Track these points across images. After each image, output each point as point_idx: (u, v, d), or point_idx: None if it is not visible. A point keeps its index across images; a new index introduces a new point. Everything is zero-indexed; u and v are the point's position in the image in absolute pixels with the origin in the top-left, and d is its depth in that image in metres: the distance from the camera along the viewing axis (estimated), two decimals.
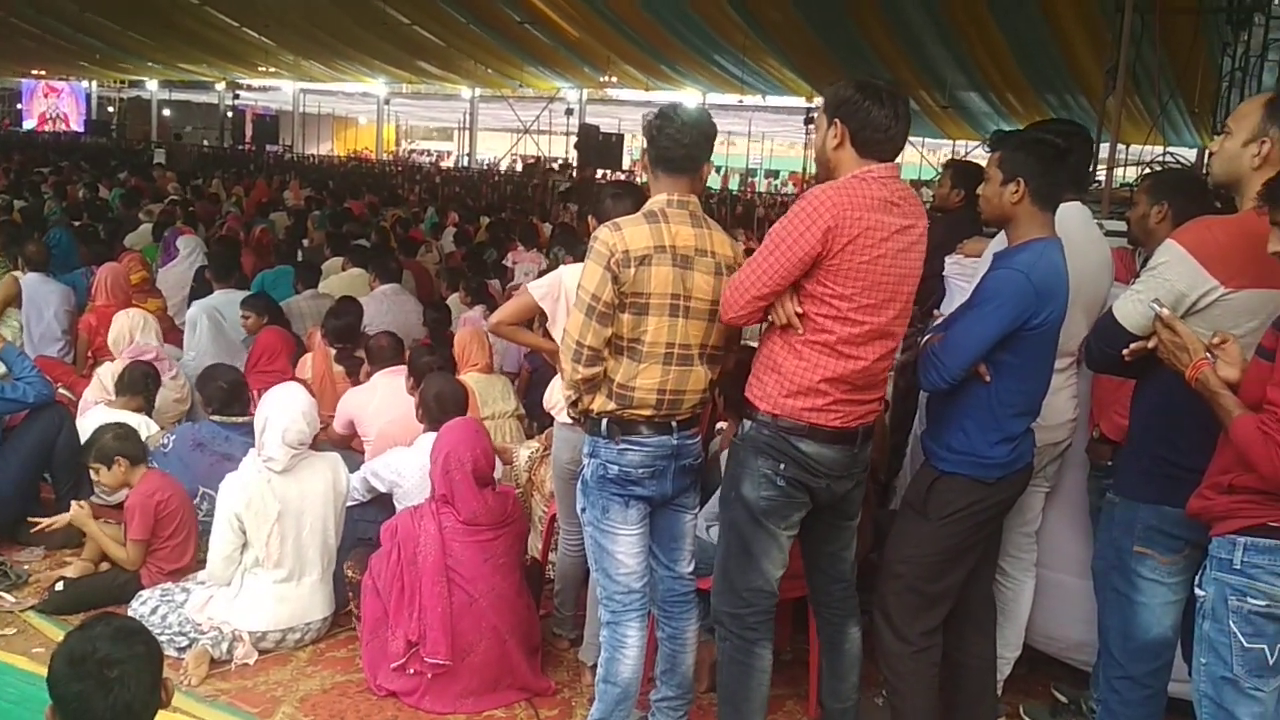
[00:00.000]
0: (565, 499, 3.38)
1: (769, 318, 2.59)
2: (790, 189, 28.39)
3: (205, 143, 31.07)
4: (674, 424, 2.71)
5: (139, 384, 4.65)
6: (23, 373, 4.19)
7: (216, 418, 4.20)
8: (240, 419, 4.13)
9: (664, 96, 26.69)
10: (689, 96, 25.76)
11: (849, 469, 2.68)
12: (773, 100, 25.31)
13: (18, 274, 6.31)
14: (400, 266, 7.25)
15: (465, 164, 30.00)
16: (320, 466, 3.58)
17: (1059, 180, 2.73)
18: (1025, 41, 14.83)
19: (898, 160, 2.61)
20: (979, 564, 2.87)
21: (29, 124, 36.09)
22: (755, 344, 2.81)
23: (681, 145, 2.65)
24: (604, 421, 2.69)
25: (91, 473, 4.03)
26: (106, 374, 4.87)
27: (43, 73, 35.23)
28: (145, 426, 4.49)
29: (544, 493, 4.10)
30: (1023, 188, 2.67)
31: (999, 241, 2.98)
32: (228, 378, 4.31)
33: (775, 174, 34.41)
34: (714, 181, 30.41)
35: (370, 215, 12.20)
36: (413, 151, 38.91)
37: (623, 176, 24.58)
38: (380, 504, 3.91)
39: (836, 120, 2.58)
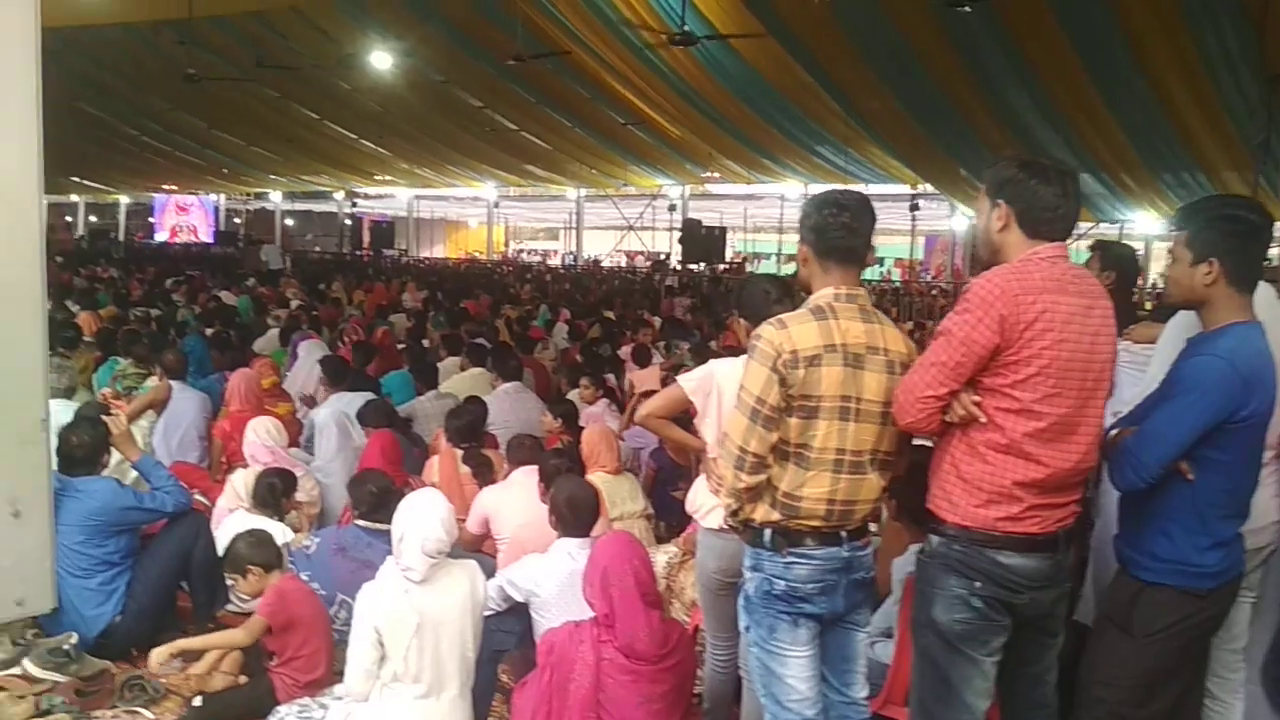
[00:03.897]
0: (712, 610, 3.19)
1: (945, 417, 2.39)
2: (895, 274, 27.98)
3: (320, 250, 32.30)
4: (843, 534, 2.52)
5: (267, 494, 4.66)
6: (160, 482, 4.23)
7: (362, 522, 4.14)
8: (385, 525, 4.07)
9: (766, 189, 26.92)
10: (791, 188, 25.91)
11: (1052, 578, 2.43)
12: (876, 189, 25.14)
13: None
14: (521, 364, 7.25)
15: (572, 262, 30.54)
16: (458, 575, 3.45)
17: (1256, 259, 2.51)
18: (1136, 121, 14.49)
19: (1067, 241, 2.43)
20: (1188, 686, 2.58)
21: (160, 236, 38.23)
22: (928, 443, 2.61)
23: (856, 234, 2.50)
24: (767, 532, 2.51)
25: (229, 580, 4.01)
26: (240, 481, 4.90)
27: (174, 188, 37.46)
28: (281, 533, 4.47)
29: (684, 601, 3.91)
30: (1216, 268, 2.45)
31: (1182, 325, 2.74)
32: (378, 483, 4.24)
33: (880, 261, 34.05)
34: None
35: (487, 314, 12.38)
36: (520, 251, 39.87)
37: (723, 269, 24.73)
38: (517, 614, 3.75)
39: (1000, 202, 2.43)
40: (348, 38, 16.05)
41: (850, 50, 13.58)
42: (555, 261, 33.28)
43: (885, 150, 19.46)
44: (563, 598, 3.56)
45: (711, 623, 3.25)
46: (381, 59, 15.89)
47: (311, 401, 7.02)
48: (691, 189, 27.69)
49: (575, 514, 3.65)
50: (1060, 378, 2.32)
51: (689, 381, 3.08)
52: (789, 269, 32.34)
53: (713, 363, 3.15)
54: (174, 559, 4.25)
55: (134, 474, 4.51)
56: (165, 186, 37.41)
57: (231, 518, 4.67)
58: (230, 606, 4.39)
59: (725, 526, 2.92)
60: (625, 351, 9.44)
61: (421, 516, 3.32)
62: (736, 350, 9.41)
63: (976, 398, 2.35)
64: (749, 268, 29.97)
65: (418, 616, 3.31)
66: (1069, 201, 2.40)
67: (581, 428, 6.09)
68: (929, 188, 23.01)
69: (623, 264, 31.76)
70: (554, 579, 3.60)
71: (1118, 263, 4.09)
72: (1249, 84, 12.07)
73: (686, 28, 11.31)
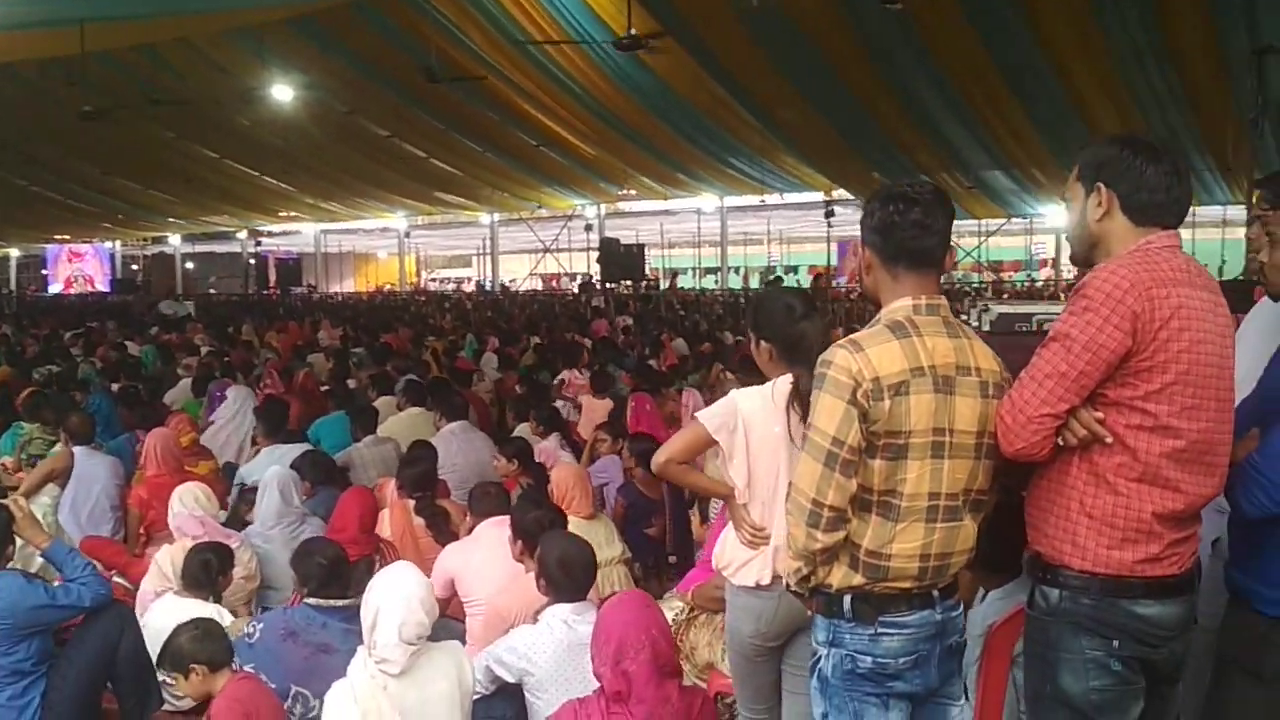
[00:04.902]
0: (749, 679, 2.74)
1: (1058, 440, 2.02)
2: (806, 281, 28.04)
3: (223, 292, 31.18)
4: (935, 594, 2.12)
5: (201, 574, 4.07)
6: (74, 572, 3.61)
7: (313, 600, 3.58)
8: (340, 602, 3.54)
9: (681, 204, 26.76)
10: (707, 201, 25.80)
11: (1186, 623, 2.09)
12: (792, 197, 25.20)
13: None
14: (466, 401, 6.74)
15: (488, 288, 29.98)
16: (441, 662, 2.97)
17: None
18: (1046, 116, 14.62)
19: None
20: None
21: (55, 288, 36.52)
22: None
23: (930, 231, 2.11)
24: (847, 600, 2.09)
25: (167, 679, 3.45)
26: (166, 560, 4.30)
27: (67, 237, 35.80)
28: (218, 616, 3.90)
29: (696, 662, 3.48)
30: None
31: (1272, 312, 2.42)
32: (327, 553, 3.66)
33: (794, 269, 34.19)
34: (735, 282, 30.25)
35: (410, 348, 11.82)
36: (432, 280, 39.11)
37: (645, 286, 24.44)
38: (507, 696, 3.26)
39: (1100, 185, 2.07)
40: (245, 71, 15.35)
41: (762, 61, 13.41)
42: (470, 288, 32.62)
43: (800, 159, 19.43)
44: (561, 674, 3.10)
45: (747, 693, 2.79)
46: (282, 92, 15.21)
47: None
48: (607, 208, 27.39)
49: (570, 576, 3.19)
50: (1199, 386, 1.97)
51: (711, 419, 2.63)
52: (706, 281, 32.16)
53: (734, 393, 2.72)
54: (96, 660, 3.63)
55: (40, 562, 3.91)
56: (58, 236, 35.73)
57: (160, 603, 4.07)
58: (166, 706, 3.81)
59: (763, 583, 2.51)
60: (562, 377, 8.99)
61: (397, 598, 2.84)
62: (679, 371, 9.03)
63: (1099, 414, 1.99)
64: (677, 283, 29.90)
65: (399, 716, 2.82)
66: (1181, 182, 2.05)
67: (539, 465, 5.65)
68: (843, 193, 23.12)
69: (539, 288, 31.29)
70: (549, 653, 3.13)
71: None
72: (1164, 74, 12.27)
73: (633, 31, 10.93)
